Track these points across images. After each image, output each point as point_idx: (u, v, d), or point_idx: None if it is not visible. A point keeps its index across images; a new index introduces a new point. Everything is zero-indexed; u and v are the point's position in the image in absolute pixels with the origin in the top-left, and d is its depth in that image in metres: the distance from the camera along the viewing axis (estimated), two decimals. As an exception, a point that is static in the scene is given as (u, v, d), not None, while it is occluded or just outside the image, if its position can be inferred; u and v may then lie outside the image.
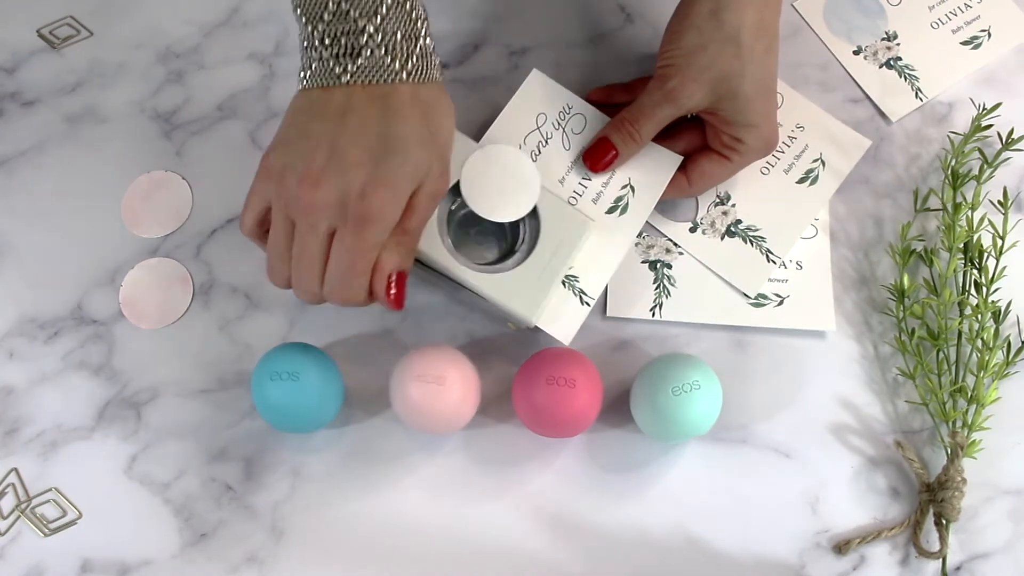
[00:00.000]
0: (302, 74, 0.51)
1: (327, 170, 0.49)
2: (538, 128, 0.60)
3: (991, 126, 0.63)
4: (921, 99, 0.65)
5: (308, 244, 0.50)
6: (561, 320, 0.57)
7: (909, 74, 0.66)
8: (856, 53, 0.66)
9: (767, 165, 0.62)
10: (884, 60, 0.66)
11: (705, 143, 0.60)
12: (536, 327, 0.57)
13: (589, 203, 0.59)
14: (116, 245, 0.63)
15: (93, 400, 0.60)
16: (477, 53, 0.67)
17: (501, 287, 0.56)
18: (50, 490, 0.58)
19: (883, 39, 0.66)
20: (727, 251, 0.62)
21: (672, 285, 0.61)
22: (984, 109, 0.64)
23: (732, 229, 0.62)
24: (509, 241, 0.58)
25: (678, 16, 0.57)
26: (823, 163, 0.63)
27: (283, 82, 0.66)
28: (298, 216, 0.50)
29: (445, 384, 0.54)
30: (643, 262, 0.62)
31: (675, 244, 0.62)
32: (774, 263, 0.61)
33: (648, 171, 0.60)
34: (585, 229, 0.57)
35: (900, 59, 0.66)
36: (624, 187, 0.60)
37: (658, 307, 0.61)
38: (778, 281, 0.62)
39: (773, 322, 0.61)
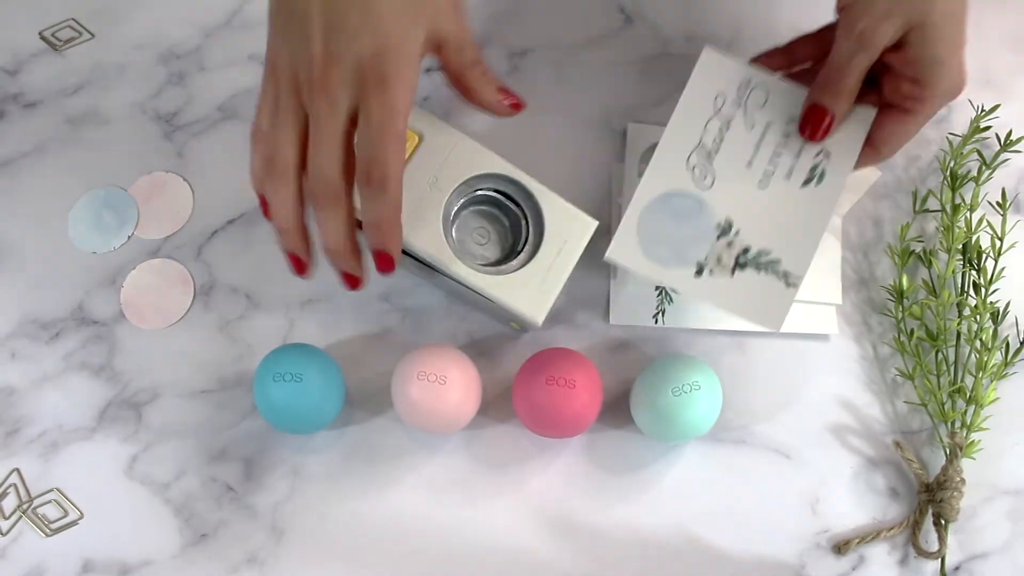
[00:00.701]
0: None
1: (332, 44, 0.46)
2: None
3: (990, 127, 0.63)
4: None
5: (328, 126, 0.47)
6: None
7: None
8: None
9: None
10: None
11: (883, 100, 0.55)
12: (540, 326, 0.57)
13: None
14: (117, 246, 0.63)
15: (94, 400, 0.60)
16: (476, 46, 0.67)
17: (506, 288, 0.56)
18: (51, 490, 0.58)
19: None
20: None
21: (675, 292, 0.62)
22: (982, 111, 0.64)
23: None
24: (511, 241, 0.59)
25: None
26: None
27: (284, 84, 0.66)
28: (315, 103, 0.47)
29: (447, 384, 0.54)
30: None
31: (677, 294, 0.59)
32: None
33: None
34: (588, 230, 0.57)
35: None
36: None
37: (661, 314, 0.61)
38: None
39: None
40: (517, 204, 0.58)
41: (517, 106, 0.52)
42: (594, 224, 0.57)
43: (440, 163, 0.56)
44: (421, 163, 0.56)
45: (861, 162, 0.56)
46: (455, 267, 0.56)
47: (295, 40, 0.47)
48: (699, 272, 0.54)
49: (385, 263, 0.51)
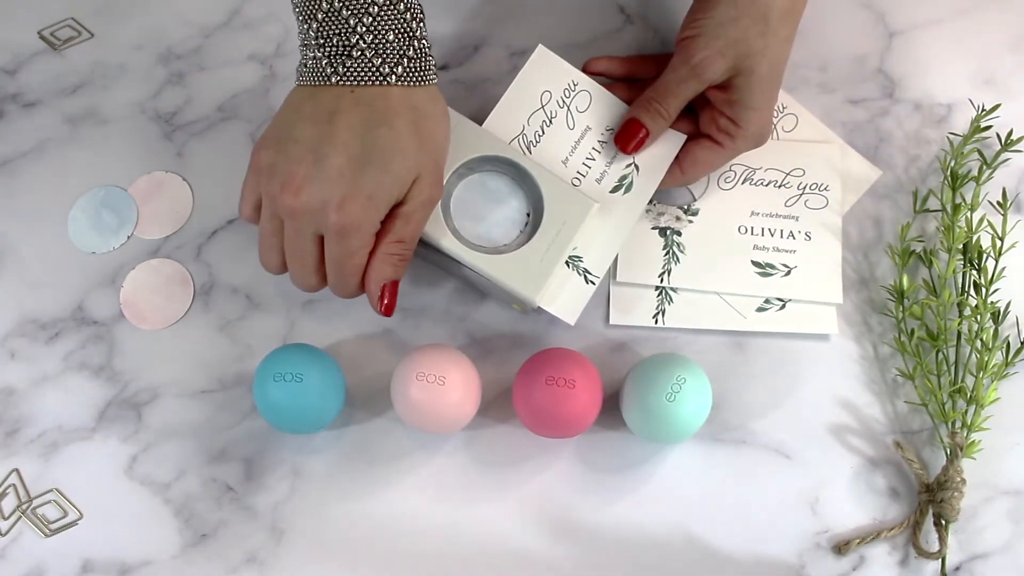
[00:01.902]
0: (299, 69, 0.51)
1: (308, 178, 0.50)
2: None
3: (990, 127, 0.63)
4: None
5: (297, 244, 0.52)
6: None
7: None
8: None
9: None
10: None
11: (698, 130, 0.60)
12: (540, 308, 0.57)
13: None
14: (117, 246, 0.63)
15: (94, 401, 0.60)
16: (477, 54, 0.67)
17: (504, 268, 0.56)
18: (51, 491, 0.58)
19: None
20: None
21: (682, 252, 0.62)
22: (983, 110, 0.64)
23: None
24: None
25: None
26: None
27: (284, 83, 0.66)
28: (285, 218, 0.51)
29: (446, 384, 0.54)
30: (653, 228, 0.62)
31: (684, 213, 0.62)
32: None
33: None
34: (588, 209, 0.57)
35: None
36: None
37: (660, 314, 0.61)
38: (786, 252, 0.62)
39: (774, 327, 0.61)
40: (517, 186, 0.58)
41: (386, 310, 0.54)
42: (594, 205, 0.57)
43: None
44: None
45: (666, 181, 0.60)
46: (452, 245, 0.56)
47: (283, 157, 0.50)
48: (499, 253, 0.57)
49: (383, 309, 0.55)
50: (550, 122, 0.59)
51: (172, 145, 0.65)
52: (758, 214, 0.63)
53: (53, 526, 0.58)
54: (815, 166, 0.64)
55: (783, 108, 0.65)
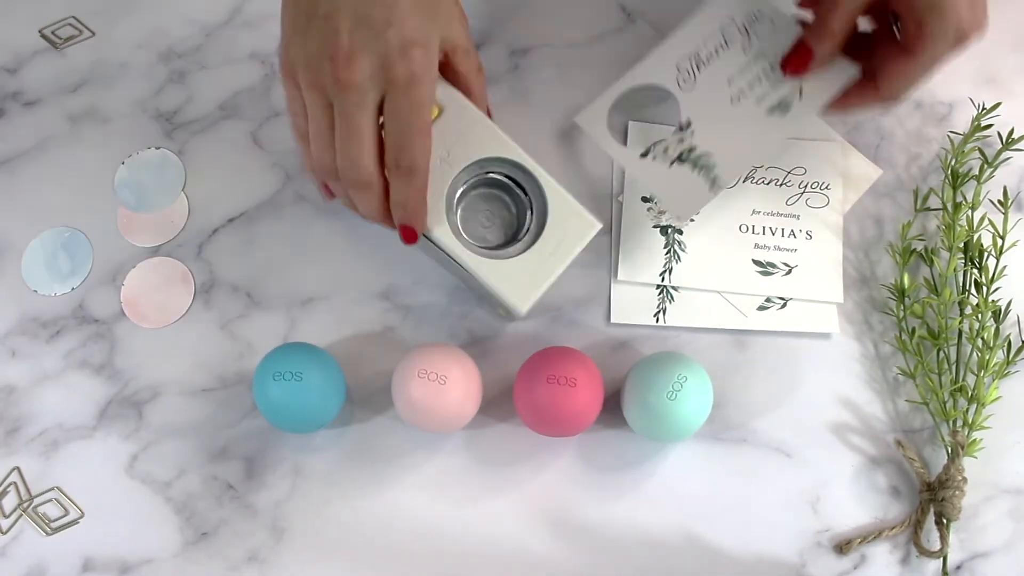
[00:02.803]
0: None
1: (357, 39, 0.48)
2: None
3: (991, 126, 0.63)
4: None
5: (357, 121, 0.49)
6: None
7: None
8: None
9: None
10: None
11: (896, 44, 0.54)
12: (523, 316, 0.57)
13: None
14: (117, 244, 0.63)
15: (94, 399, 0.60)
16: (478, 52, 0.67)
17: (498, 273, 0.56)
18: (52, 489, 0.58)
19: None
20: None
21: (683, 251, 0.62)
22: (983, 109, 0.64)
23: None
24: (515, 229, 0.58)
25: None
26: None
27: (284, 82, 0.66)
28: (341, 97, 0.49)
29: (447, 383, 0.54)
30: (654, 227, 0.63)
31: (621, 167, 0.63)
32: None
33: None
34: (589, 231, 0.57)
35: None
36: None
37: (661, 312, 0.61)
38: (787, 251, 0.62)
39: (776, 325, 0.61)
40: (525, 192, 0.58)
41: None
42: (597, 226, 0.57)
43: (455, 139, 0.56)
44: (437, 136, 0.56)
45: (861, 99, 0.57)
46: (452, 245, 0.56)
47: (317, 38, 0.48)
48: (644, 155, 0.58)
49: (409, 236, 0.54)
50: (726, 45, 0.59)
51: (173, 143, 0.65)
52: (759, 213, 0.63)
53: (54, 524, 0.58)
54: (816, 165, 0.64)
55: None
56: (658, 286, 0.62)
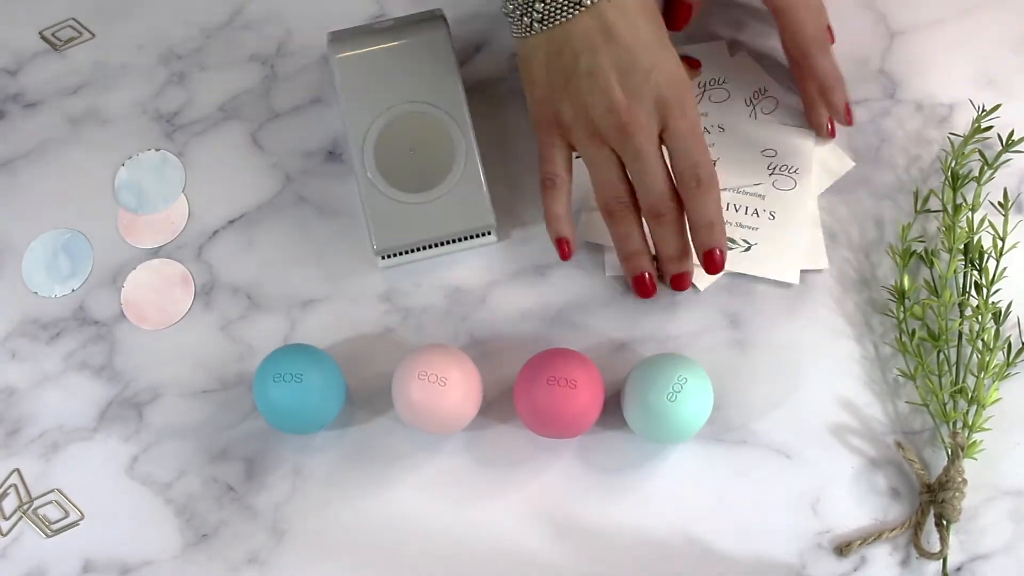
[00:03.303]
0: (527, 21, 0.55)
1: (630, 88, 0.54)
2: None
3: (991, 128, 0.63)
4: None
5: (650, 154, 0.55)
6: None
7: None
8: None
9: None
10: None
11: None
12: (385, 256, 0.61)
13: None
14: (118, 246, 0.63)
15: (95, 400, 0.60)
16: (479, 54, 0.67)
17: (378, 206, 0.60)
18: (52, 491, 0.58)
19: None
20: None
21: None
22: (983, 111, 0.64)
23: None
24: (436, 174, 0.61)
25: None
26: (796, 171, 0.64)
27: (284, 83, 0.66)
28: (631, 139, 0.55)
29: (447, 384, 0.54)
30: None
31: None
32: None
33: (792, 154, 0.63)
34: (486, 223, 0.60)
35: None
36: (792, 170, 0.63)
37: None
38: (748, 228, 0.63)
39: (738, 267, 0.62)
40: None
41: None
42: (493, 232, 0.61)
43: None
44: None
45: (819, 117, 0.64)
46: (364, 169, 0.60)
47: (589, 93, 0.55)
48: None
49: (717, 263, 0.58)
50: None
51: (173, 145, 0.65)
52: (725, 189, 0.63)
53: (54, 526, 0.58)
54: (787, 148, 0.64)
55: (764, 91, 0.66)
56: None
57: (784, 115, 0.66)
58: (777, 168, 0.64)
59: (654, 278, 0.60)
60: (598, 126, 0.55)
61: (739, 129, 0.65)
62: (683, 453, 0.59)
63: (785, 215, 0.63)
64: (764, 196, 0.64)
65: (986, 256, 0.61)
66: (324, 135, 0.65)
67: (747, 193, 0.64)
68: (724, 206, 0.62)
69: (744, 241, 0.62)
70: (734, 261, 0.62)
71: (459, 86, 0.61)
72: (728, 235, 0.61)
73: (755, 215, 0.63)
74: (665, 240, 0.58)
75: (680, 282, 0.60)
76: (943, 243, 0.61)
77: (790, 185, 0.64)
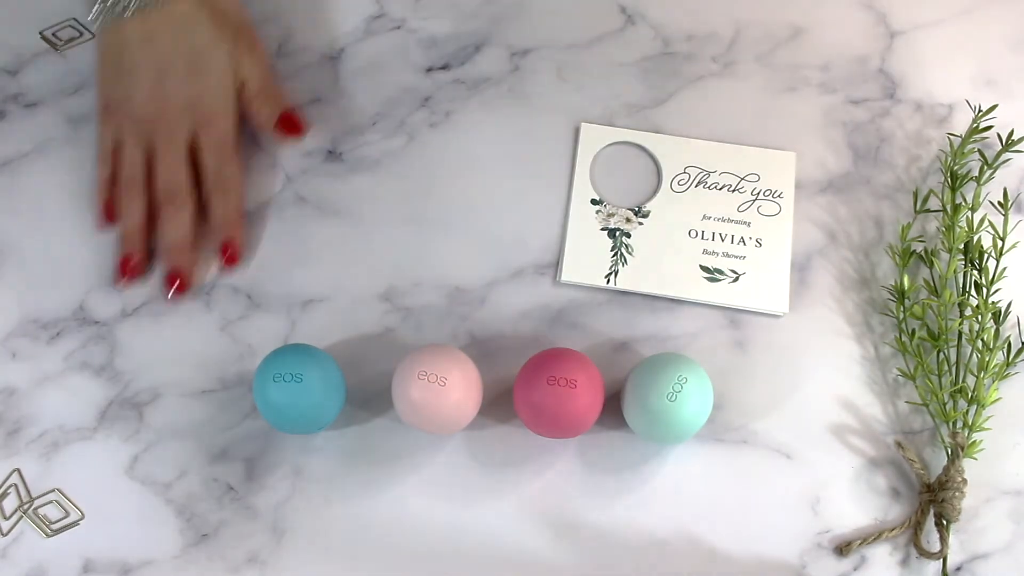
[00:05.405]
0: (93, 18, 0.60)
1: (161, 89, 0.59)
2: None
3: (990, 127, 0.63)
4: None
5: (171, 147, 0.60)
6: (582, 264, 0.61)
7: None
8: None
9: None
10: None
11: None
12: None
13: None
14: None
15: (95, 400, 0.60)
16: (478, 54, 0.67)
17: None
18: (52, 491, 0.58)
19: None
20: (591, 239, 0.63)
21: (630, 254, 0.62)
22: (982, 111, 0.64)
23: (614, 232, 0.63)
24: None
25: None
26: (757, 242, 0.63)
27: (284, 83, 0.66)
28: (156, 132, 0.60)
29: (447, 384, 0.54)
30: (602, 229, 0.63)
31: (635, 214, 0.63)
32: (605, 281, 0.62)
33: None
34: None
35: None
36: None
37: (613, 275, 0.61)
38: (735, 258, 0.62)
39: (727, 300, 0.61)
40: None
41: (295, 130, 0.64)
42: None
43: None
44: None
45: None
46: None
47: (127, 85, 0.60)
48: (596, 202, 0.63)
49: (231, 255, 0.61)
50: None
51: (173, 145, 0.65)
52: (710, 218, 0.63)
53: (54, 526, 0.58)
54: (770, 172, 0.64)
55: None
56: (603, 290, 0.62)
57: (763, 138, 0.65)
58: (761, 193, 0.64)
59: (137, 263, 0.61)
60: (135, 115, 0.60)
61: (720, 156, 0.64)
62: (683, 453, 0.59)
63: (772, 241, 0.63)
64: (750, 223, 0.63)
65: (986, 256, 0.61)
66: (324, 135, 0.65)
67: (733, 221, 0.63)
68: (710, 236, 0.62)
69: (732, 272, 0.62)
70: (722, 293, 0.61)
71: None
72: (715, 266, 0.61)
73: (741, 243, 0.63)
74: (168, 226, 0.61)
75: (177, 281, 0.61)
76: (943, 243, 0.61)
77: (775, 210, 0.63)
